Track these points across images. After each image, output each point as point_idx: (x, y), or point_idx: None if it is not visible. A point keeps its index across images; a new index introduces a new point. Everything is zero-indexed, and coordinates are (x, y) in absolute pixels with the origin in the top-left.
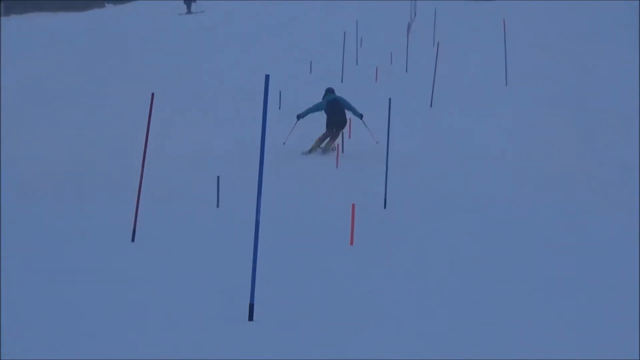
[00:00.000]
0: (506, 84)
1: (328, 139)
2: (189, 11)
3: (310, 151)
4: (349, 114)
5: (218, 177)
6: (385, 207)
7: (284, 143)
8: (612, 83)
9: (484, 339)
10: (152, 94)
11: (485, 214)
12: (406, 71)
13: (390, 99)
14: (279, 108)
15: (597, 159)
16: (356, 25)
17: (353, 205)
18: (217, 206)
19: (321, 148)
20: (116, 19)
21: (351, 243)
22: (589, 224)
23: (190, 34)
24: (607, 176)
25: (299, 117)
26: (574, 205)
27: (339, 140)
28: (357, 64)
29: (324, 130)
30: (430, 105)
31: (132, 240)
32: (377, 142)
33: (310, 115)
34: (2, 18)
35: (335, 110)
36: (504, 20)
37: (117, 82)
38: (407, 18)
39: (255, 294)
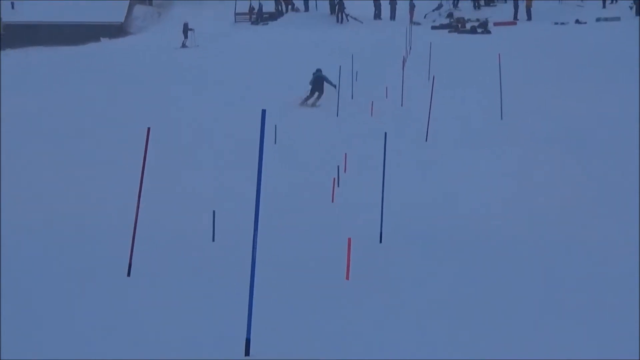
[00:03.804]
0: (501, 118)
1: (313, 98)
2: (183, 45)
3: (302, 104)
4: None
5: (214, 212)
6: (381, 241)
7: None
8: (608, 118)
9: None
10: (148, 129)
11: (481, 251)
12: (401, 105)
13: (385, 133)
14: (275, 142)
15: (593, 194)
16: (351, 59)
17: (349, 240)
18: (213, 240)
19: (308, 104)
20: (111, 54)
21: (347, 278)
22: (589, 262)
23: (184, 69)
24: (604, 212)
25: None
26: (573, 244)
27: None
28: (352, 97)
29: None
30: (426, 140)
31: (128, 275)
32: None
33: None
34: None
35: (317, 82)
36: (499, 54)
37: (111, 118)
38: (402, 52)
39: (252, 328)
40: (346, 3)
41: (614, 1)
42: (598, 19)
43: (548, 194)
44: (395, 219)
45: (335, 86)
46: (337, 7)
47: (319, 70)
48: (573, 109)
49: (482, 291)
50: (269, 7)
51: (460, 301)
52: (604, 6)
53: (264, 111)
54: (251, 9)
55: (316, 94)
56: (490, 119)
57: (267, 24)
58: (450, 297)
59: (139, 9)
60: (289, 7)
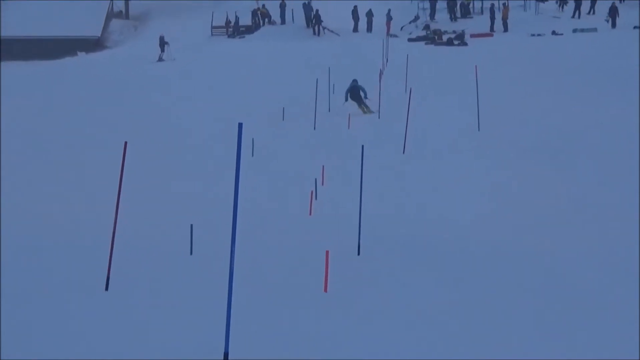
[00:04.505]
0: (479, 129)
1: (361, 106)
2: (160, 58)
3: (364, 113)
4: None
5: (191, 225)
6: (359, 254)
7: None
8: (587, 128)
9: None
10: (125, 143)
11: (460, 262)
12: (379, 117)
13: (362, 146)
14: (252, 155)
15: (573, 204)
16: (328, 72)
17: (327, 252)
18: (191, 254)
19: (364, 112)
20: (88, 68)
21: (325, 290)
22: (567, 271)
23: (161, 83)
24: (585, 221)
25: (345, 99)
26: (550, 253)
27: (368, 108)
28: (329, 110)
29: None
30: (403, 152)
31: (106, 289)
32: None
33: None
34: None
35: (354, 91)
36: (475, 66)
37: (88, 131)
38: (379, 64)
39: (230, 342)
40: (323, 16)
41: (592, 12)
42: (574, 30)
43: (526, 204)
44: (373, 231)
45: (366, 97)
46: (313, 20)
47: (355, 81)
48: (551, 119)
49: (462, 303)
50: (246, 20)
51: (440, 313)
52: (573, 16)
53: (240, 124)
54: (228, 22)
55: (357, 103)
56: (467, 131)
57: (243, 37)
58: (429, 309)
59: (115, 23)
60: (266, 20)
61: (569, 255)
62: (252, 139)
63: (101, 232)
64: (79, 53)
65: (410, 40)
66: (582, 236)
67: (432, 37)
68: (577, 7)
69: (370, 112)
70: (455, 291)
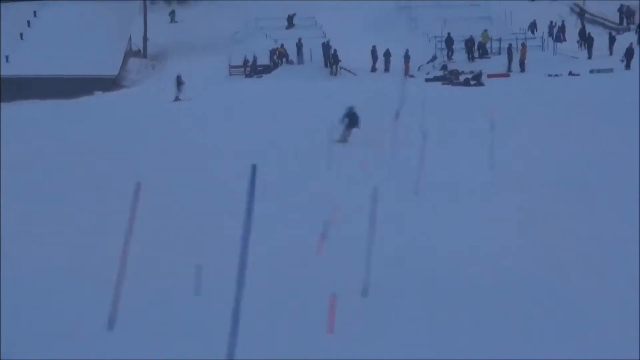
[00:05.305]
0: (494, 169)
1: (346, 132)
2: (176, 98)
3: (340, 141)
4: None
5: (199, 266)
6: (366, 295)
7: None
8: (604, 165)
9: None
10: (139, 184)
11: (474, 305)
12: (392, 157)
13: (375, 186)
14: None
15: (585, 240)
16: (344, 111)
17: (333, 294)
18: (197, 294)
19: (344, 140)
20: (104, 107)
21: (331, 332)
22: (587, 312)
23: (177, 123)
24: (602, 261)
25: (341, 121)
26: (570, 295)
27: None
28: (343, 149)
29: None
30: (417, 193)
31: (111, 329)
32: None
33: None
34: None
35: (353, 118)
36: (491, 109)
37: (102, 171)
38: (395, 104)
39: None
40: (341, 55)
41: (610, 53)
42: (591, 71)
43: (541, 244)
44: (382, 273)
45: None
46: (331, 60)
47: (352, 108)
48: (569, 159)
49: (473, 348)
50: (264, 59)
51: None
52: (589, 57)
53: (254, 166)
54: (246, 61)
55: (350, 128)
56: (483, 171)
57: (261, 76)
58: (436, 352)
59: (133, 62)
60: (284, 59)
61: (598, 295)
62: (265, 178)
63: (107, 270)
64: (95, 92)
65: (427, 80)
66: (604, 272)
67: (449, 77)
68: (589, 47)
69: (345, 141)
70: (466, 336)
